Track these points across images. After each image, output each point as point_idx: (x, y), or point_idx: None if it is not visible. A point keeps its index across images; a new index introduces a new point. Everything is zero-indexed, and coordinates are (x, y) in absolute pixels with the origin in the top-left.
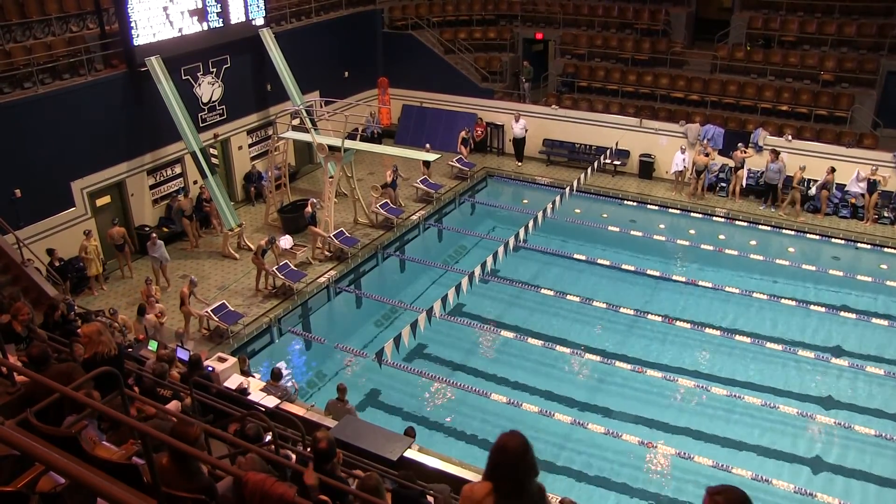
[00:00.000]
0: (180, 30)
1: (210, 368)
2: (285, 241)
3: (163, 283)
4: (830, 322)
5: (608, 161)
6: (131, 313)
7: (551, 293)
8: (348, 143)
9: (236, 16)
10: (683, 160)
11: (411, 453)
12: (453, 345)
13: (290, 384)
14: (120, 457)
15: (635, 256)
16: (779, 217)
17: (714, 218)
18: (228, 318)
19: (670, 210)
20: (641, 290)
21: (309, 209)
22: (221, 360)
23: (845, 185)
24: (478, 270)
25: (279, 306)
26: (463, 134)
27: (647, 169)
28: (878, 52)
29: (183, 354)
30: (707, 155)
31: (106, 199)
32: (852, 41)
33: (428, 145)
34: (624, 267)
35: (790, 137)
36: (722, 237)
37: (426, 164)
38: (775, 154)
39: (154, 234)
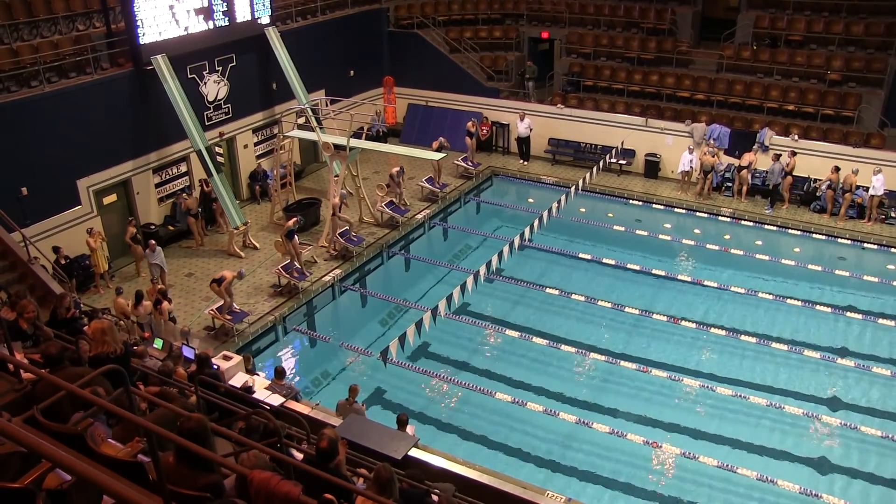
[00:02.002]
0: (186, 28)
1: (215, 367)
2: None
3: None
4: (836, 322)
5: (614, 160)
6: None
7: (556, 292)
8: (353, 142)
9: (242, 14)
10: (690, 161)
11: (416, 452)
12: (458, 344)
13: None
14: (126, 454)
15: (641, 256)
16: (784, 217)
17: (720, 218)
18: (234, 316)
19: (676, 210)
20: (647, 289)
21: (336, 201)
22: (226, 358)
23: (868, 188)
24: (483, 269)
25: (284, 305)
26: (469, 126)
27: (652, 168)
28: (886, 52)
29: (188, 352)
30: (714, 156)
31: (112, 198)
32: (860, 40)
33: (442, 138)
34: (629, 266)
35: (797, 137)
36: (727, 237)
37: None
38: (777, 156)
39: (152, 241)
